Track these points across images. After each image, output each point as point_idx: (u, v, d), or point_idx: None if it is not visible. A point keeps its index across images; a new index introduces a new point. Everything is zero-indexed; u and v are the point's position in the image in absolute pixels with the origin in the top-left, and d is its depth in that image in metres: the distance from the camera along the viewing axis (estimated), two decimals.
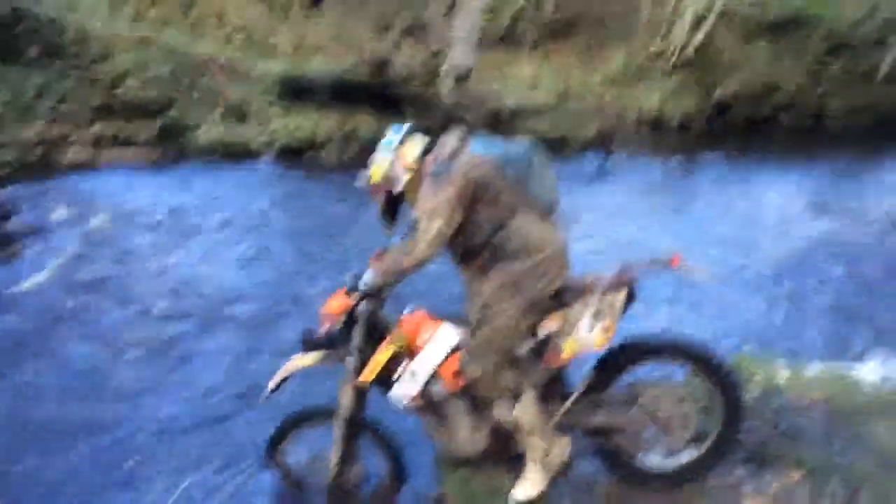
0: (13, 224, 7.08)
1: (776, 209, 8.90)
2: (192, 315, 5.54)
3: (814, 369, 4.24)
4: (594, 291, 2.98)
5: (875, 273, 6.80)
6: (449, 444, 3.13)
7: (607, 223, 8.00)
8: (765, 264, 6.95)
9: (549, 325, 3.00)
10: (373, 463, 3.31)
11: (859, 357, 4.97)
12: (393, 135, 3.08)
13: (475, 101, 11.10)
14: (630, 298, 3.03)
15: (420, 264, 2.91)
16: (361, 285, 2.98)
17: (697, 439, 3.18)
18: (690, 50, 13.99)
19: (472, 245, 2.95)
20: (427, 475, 3.49)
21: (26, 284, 5.83)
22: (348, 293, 3.01)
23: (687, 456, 3.21)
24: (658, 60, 13.97)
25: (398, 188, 3.03)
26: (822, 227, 8.23)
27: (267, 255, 6.72)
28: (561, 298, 2.98)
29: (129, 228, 7.13)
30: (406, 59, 11.35)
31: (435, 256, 2.91)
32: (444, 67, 11.20)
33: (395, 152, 3.03)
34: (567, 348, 2.98)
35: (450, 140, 3.01)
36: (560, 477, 3.17)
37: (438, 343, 3.06)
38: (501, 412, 3.02)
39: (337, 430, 3.15)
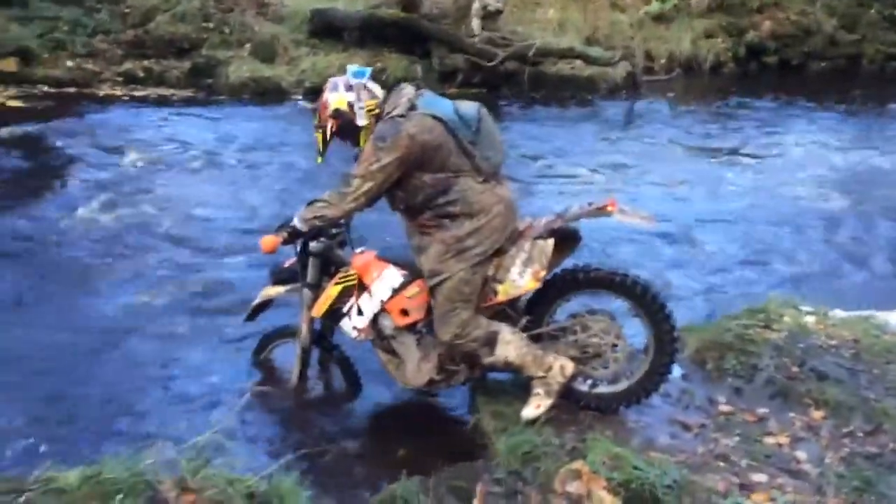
0: (53, 157, 7.19)
1: (810, 152, 8.83)
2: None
3: (841, 314, 4.29)
4: (526, 238, 3.12)
5: None
6: (398, 374, 3.36)
7: (633, 169, 7.97)
8: (797, 209, 6.94)
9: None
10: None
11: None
12: (356, 75, 3.14)
13: (504, 42, 10.96)
14: (573, 241, 3.21)
15: (343, 216, 3.18)
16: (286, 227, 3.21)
17: (629, 371, 3.27)
18: None
19: (414, 203, 3.07)
20: (464, 401, 3.63)
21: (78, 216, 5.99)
22: (276, 233, 3.22)
23: (614, 387, 3.28)
24: (690, 2, 13.68)
25: (361, 122, 3.10)
26: (857, 171, 8.19)
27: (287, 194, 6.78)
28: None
29: (160, 165, 7.21)
30: None
31: (358, 211, 3.12)
32: (475, 7, 11.04)
33: (358, 91, 3.11)
34: (501, 291, 3.16)
35: (401, 97, 3.05)
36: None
37: (384, 282, 3.26)
38: (488, 359, 3.15)
39: (297, 351, 3.59)
